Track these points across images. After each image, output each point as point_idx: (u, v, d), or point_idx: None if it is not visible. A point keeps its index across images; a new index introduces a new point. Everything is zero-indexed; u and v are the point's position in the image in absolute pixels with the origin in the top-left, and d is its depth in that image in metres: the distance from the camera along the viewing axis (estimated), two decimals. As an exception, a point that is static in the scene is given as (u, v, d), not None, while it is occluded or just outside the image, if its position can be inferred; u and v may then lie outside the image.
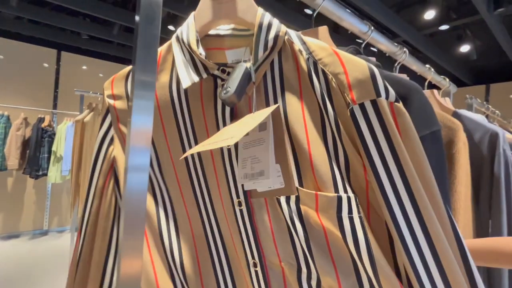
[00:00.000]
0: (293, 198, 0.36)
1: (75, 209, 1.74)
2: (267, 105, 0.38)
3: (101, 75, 4.26)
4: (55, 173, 3.15)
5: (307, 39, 0.38)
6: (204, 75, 0.38)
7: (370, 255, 0.32)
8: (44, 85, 3.69)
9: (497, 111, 1.48)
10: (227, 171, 0.39)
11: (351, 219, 0.33)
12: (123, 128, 0.43)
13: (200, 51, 0.37)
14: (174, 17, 3.36)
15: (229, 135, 0.33)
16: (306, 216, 0.35)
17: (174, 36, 0.42)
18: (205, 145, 0.34)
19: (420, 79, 0.94)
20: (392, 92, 0.33)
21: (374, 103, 0.32)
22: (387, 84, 0.34)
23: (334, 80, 0.34)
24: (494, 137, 0.66)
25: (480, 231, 0.75)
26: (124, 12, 3.17)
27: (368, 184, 0.34)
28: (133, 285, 0.30)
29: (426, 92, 0.85)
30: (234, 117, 0.38)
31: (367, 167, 0.33)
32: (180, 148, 0.42)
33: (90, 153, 1.80)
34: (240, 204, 0.39)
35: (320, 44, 0.37)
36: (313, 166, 0.35)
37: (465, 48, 2.88)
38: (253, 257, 0.39)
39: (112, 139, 0.44)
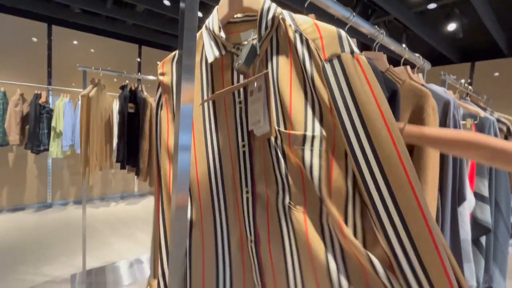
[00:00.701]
0: (279, 138, 0.48)
1: (85, 180, 1.88)
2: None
3: (92, 50, 4.20)
4: (56, 148, 3.24)
5: (296, 16, 0.49)
6: (223, 52, 0.51)
7: (319, 179, 0.43)
8: (36, 61, 3.65)
9: (470, 87, 1.64)
10: (237, 122, 0.53)
11: (311, 151, 0.44)
12: (166, 96, 0.59)
13: (222, 35, 0.50)
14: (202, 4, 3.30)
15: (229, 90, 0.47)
16: (287, 151, 0.48)
17: (204, 25, 0.55)
18: (215, 95, 0.48)
19: (399, 56, 1.07)
20: (356, 49, 0.43)
21: (339, 58, 0.42)
22: (352, 43, 0.43)
23: (312, 44, 0.44)
24: (446, 104, 0.80)
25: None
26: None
27: (335, 126, 0.44)
28: (183, 213, 0.45)
29: (401, 68, 0.99)
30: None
31: (333, 110, 0.43)
32: (200, 106, 0.56)
33: (97, 126, 1.90)
34: (244, 146, 0.52)
35: (305, 18, 0.48)
36: (291, 114, 0.47)
37: (452, 27, 2.98)
38: (246, 186, 0.52)
39: (162, 105, 0.60)
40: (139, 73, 2.17)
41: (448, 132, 0.54)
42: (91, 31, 4.08)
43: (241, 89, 0.52)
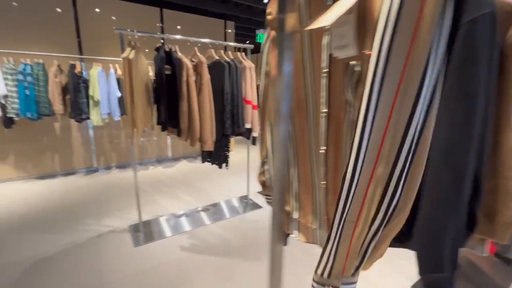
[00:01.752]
0: (361, 60, 0.51)
1: (134, 141, 2.01)
2: None
3: (114, 18, 4.17)
4: (96, 117, 3.43)
5: None
6: None
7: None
8: (64, 31, 3.71)
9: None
10: (325, 47, 0.56)
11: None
12: (273, 32, 0.68)
13: None
14: None
15: (324, 19, 0.47)
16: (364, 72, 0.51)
17: None
18: (310, 25, 0.49)
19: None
20: None
21: None
22: None
23: None
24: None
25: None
26: None
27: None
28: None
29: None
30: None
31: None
32: (299, 37, 0.61)
33: (140, 87, 1.97)
34: (325, 72, 0.58)
35: None
36: (367, 34, 0.48)
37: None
38: (324, 103, 0.60)
39: (267, 40, 0.72)
40: (166, 34, 2.15)
41: None
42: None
43: None
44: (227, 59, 2.29)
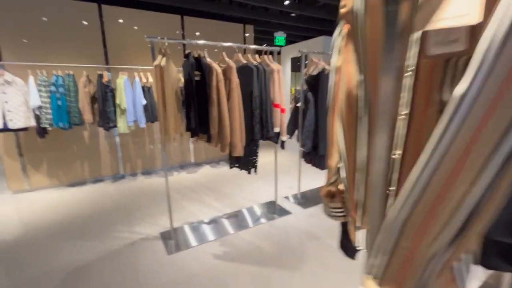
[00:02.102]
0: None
1: (166, 147, 2.00)
2: None
3: (135, 27, 4.27)
4: (123, 124, 3.50)
5: None
6: None
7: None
8: (90, 43, 3.83)
9: None
10: (412, 41, 0.48)
11: None
12: (348, 26, 0.63)
13: None
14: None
15: (461, 11, 0.40)
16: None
17: None
18: (439, 21, 0.42)
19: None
20: None
21: None
22: None
23: None
24: None
25: None
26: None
27: None
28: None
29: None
30: None
31: None
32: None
33: (171, 94, 1.97)
34: (410, 70, 0.49)
35: None
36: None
37: None
38: (404, 104, 0.51)
39: (340, 34, 0.68)
40: (195, 41, 2.14)
41: None
42: (135, 6, 4.13)
43: None
44: (254, 62, 2.26)
